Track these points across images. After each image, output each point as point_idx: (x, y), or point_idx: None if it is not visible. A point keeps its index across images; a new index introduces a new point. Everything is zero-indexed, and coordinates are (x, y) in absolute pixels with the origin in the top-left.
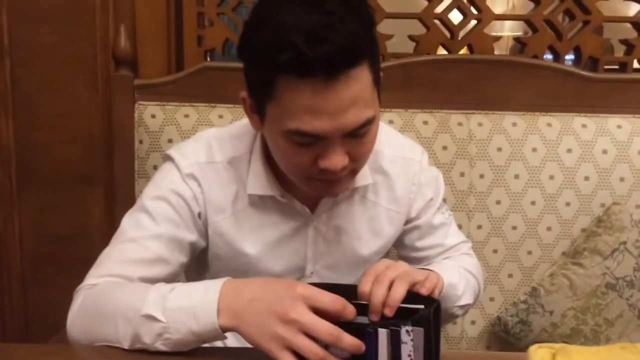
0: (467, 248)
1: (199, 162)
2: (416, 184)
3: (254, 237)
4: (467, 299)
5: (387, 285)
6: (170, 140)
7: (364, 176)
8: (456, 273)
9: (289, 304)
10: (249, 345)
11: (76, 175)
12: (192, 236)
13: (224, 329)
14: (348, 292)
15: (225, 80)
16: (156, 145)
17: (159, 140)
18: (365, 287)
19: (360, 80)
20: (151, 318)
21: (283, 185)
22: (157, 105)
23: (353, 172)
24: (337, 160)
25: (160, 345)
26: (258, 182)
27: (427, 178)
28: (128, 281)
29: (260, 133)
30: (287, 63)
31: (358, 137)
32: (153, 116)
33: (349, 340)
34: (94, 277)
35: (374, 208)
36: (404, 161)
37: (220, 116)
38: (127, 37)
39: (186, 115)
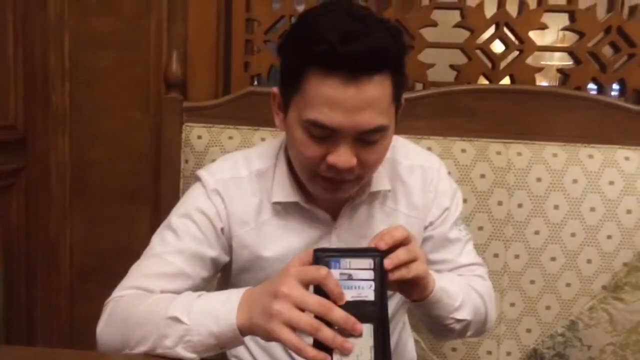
0: (481, 271)
1: (224, 178)
2: (433, 192)
3: (277, 247)
4: (465, 314)
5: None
6: (214, 161)
7: (382, 182)
8: (457, 285)
9: (280, 281)
10: None
11: (126, 191)
12: (213, 252)
13: (241, 329)
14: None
15: (269, 105)
16: (201, 165)
17: (203, 160)
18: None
19: (381, 87)
20: (176, 320)
21: (305, 195)
22: (204, 126)
23: (358, 179)
24: (345, 158)
25: (181, 350)
26: (282, 190)
27: (445, 187)
28: (152, 294)
29: (284, 146)
30: (318, 55)
31: (369, 143)
32: (199, 137)
33: (339, 313)
34: (120, 290)
35: (394, 215)
36: (421, 169)
37: (263, 139)
38: (179, 62)
39: (230, 137)
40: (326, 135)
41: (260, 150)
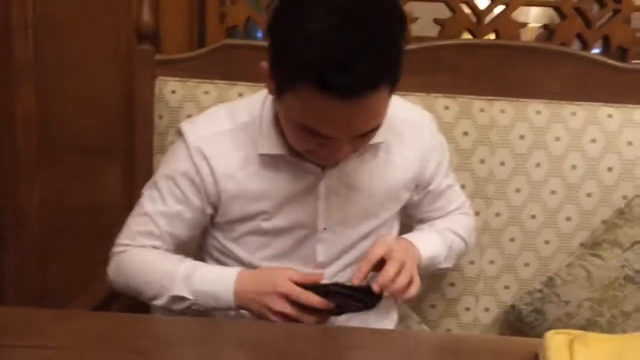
0: (467, 207)
1: (207, 134)
2: (427, 152)
3: (265, 196)
4: (446, 264)
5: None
6: (189, 116)
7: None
8: (440, 243)
9: (269, 300)
10: None
11: (96, 148)
12: (197, 212)
13: (237, 308)
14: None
15: (246, 59)
16: (175, 121)
17: (178, 116)
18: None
19: (377, 100)
20: (181, 298)
21: (292, 147)
22: (178, 81)
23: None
24: (338, 153)
25: (188, 312)
26: (269, 142)
27: (435, 142)
28: (148, 250)
29: (270, 99)
30: (311, 78)
31: (364, 135)
32: (173, 92)
33: (316, 299)
34: (120, 246)
35: (384, 165)
36: (414, 124)
37: (240, 94)
38: (150, 11)
39: (206, 92)
40: (321, 137)
41: (244, 101)
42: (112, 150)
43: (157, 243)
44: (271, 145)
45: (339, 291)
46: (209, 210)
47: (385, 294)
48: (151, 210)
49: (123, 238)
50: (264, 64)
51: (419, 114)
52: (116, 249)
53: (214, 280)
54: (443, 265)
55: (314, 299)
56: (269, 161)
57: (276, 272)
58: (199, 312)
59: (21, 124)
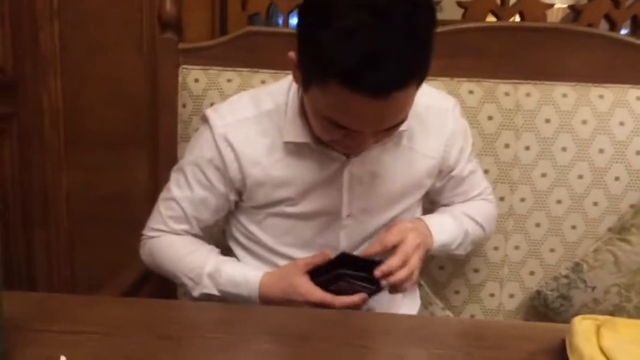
0: (488, 193)
1: (232, 121)
2: (451, 137)
3: (291, 183)
4: (460, 251)
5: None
6: (212, 105)
7: None
8: (455, 229)
9: (292, 296)
10: None
11: (122, 137)
12: (221, 198)
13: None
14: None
15: (268, 46)
16: (199, 109)
17: (201, 104)
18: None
19: (406, 97)
20: (209, 295)
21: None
22: (201, 69)
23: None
24: (363, 146)
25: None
26: (294, 130)
27: (459, 129)
28: (178, 238)
29: (295, 87)
30: (341, 75)
31: (389, 129)
32: (196, 80)
33: (347, 300)
34: (150, 230)
35: (408, 152)
36: (438, 110)
37: (263, 81)
38: (173, 0)
39: (229, 80)
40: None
41: (269, 89)
42: (138, 140)
43: (186, 227)
44: (296, 134)
45: (349, 274)
46: (233, 197)
47: (383, 282)
48: (178, 196)
49: (154, 222)
50: (292, 54)
51: (442, 99)
52: (148, 232)
53: (238, 283)
54: (456, 252)
55: (345, 300)
56: (293, 149)
57: (295, 277)
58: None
59: (49, 114)
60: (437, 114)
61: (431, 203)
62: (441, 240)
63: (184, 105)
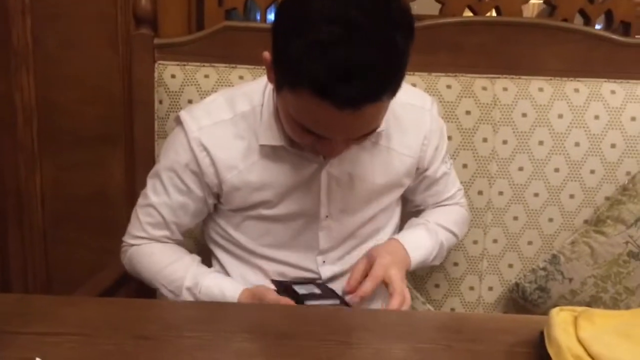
0: (460, 197)
1: (207, 124)
2: (428, 136)
3: (268, 186)
4: (436, 262)
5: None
6: (190, 101)
7: None
8: (431, 245)
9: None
10: None
11: (97, 134)
12: (199, 202)
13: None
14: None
15: (246, 41)
16: (176, 106)
17: (178, 100)
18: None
19: (377, 109)
20: (189, 298)
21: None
22: (177, 65)
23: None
24: (335, 151)
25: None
26: (270, 133)
27: (435, 128)
28: (157, 247)
29: (270, 89)
30: (312, 85)
31: (361, 137)
32: (173, 76)
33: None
34: (131, 237)
35: (386, 152)
36: (414, 109)
37: (241, 77)
38: None
39: (206, 76)
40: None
41: (244, 90)
42: (114, 137)
43: (166, 232)
44: (272, 136)
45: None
46: (211, 200)
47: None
48: (156, 202)
49: (134, 229)
50: (266, 55)
51: (420, 98)
52: (128, 240)
53: (216, 298)
54: (433, 263)
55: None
56: (269, 152)
57: (268, 295)
58: None
59: (21, 111)
60: (415, 112)
61: (404, 201)
62: (418, 258)
63: (160, 102)
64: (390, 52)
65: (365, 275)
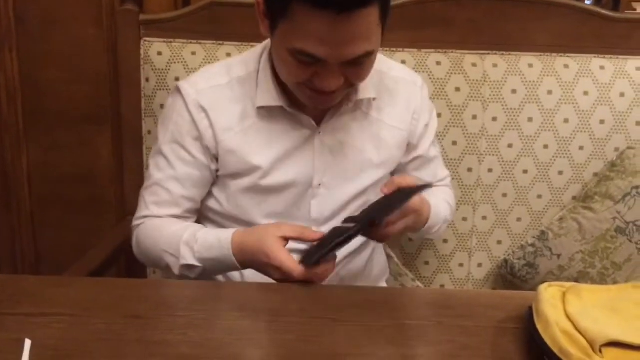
0: (449, 180)
1: (204, 88)
2: (418, 110)
3: (262, 151)
4: (433, 234)
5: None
6: (177, 79)
7: (367, 90)
8: (440, 215)
9: (267, 271)
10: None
11: (83, 113)
12: (205, 170)
13: (242, 268)
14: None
15: (233, 17)
16: (163, 84)
17: (165, 78)
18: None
19: (368, 18)
20: (191, 266)
21: (290, 100)
22: (164, 42)
23: (347, 89)
24: (332, 82)
25: (203, 277)
26: (267, 94)
27: (426, 106)
28: (161, 221)
29: (268, 50)
30: None
31: (356, 65)
32: (159, 53)
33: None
34: (138, 219)
35: (376, 124)
36: (406, 84)
37: (228, 54)
38: None
39: (193, 53)
40: (313, 61)
41: (241, 57)
42: (100, 116)
43: (173, 210)
44: (270, 97)
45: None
46: (214, 166)
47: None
48: (161, 178)
49: (139, 211)
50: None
51: (411, 74)
52: (134, 222)
53: (213, 246)
54: (430, 235)
55: (305, 274)
56: (265, 115)
57: (266, 237)
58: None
59: (5, 92)
60: (406, 86)
61: None
62: (429, 224)
63: (147, 79)
64: None
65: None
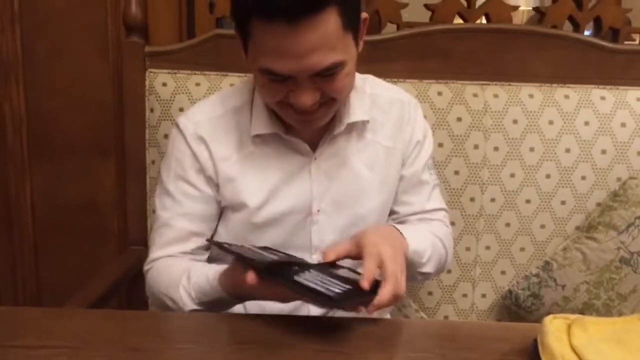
0: (443, 216)
1: (202, 119)
2: (411, 125)
3: (259, 180)
4: (429, 268)
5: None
6: (181, 109)
7: (360, 113)
8: (426, 241)
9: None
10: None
11: (88, 144)
12: (211, 202)
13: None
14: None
15: (237, 49)
16: (167, 114)
17: (169, 108)
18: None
19: (325, 25)
20: (197, 310)
21: (284, 127)
22: (169, 73)
23: (328, 105)
24: (306, 98)
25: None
26: (261, 122)
27: (420, 125)
28: (167, 263)
29: None
30: (254, 8)
31: (327, 77)
32: (164, 84)
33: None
34: (148, 263)
35: (372, 145)
36: (400, 103)
37: (232, 85)
38: (138, 3)
39: (197, 84)
40: (282, 78)
41: (236, 87)
42: (104, 146)
43: (182, 247)
44: (264, 125)
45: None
46: (219, 197)
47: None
48: (168, 217)
49: (149, 254)
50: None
51: (406, 95)
52: (145, 267)
53: (207, 290)
54: (425, 269)
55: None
56: (261, 143)
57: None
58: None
59: (11, 121)
60: (400, 104)
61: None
62: (416, 246)
63: (151, 110)
64: None
65: (347, 253)
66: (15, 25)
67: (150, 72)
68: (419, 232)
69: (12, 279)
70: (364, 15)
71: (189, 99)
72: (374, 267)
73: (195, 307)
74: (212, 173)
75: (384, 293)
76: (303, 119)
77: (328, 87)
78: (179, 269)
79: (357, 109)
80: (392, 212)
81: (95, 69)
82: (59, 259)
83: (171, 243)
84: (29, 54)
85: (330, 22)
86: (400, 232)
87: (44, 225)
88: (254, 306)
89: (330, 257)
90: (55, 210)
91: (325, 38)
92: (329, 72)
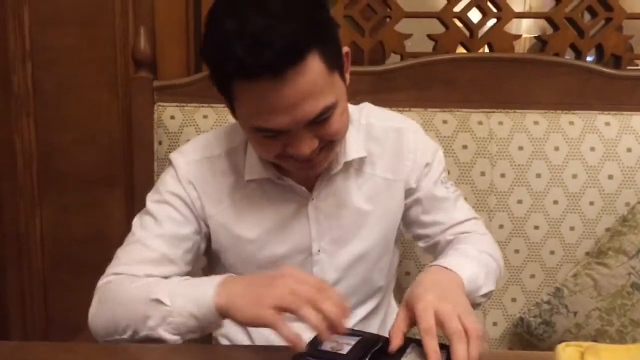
0: (479, 226)
1: (196, 159)
2: (412, 152)
3: (255, 223)
4: (488, 287)
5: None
6: (188, 141)
7: (356, 149)
8: (476, 263)
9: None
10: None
11: (97, 177)
12: (194, 233)
13: (220, 309)
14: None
15: None
16: (175, 146)
17: (178, 141)
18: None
19: (309, 72)
20: (158, 302)
21: (279, 170)
22: (177, 106)
23: (328, 148)
24: (304, 148)
25: (163, 332)
26: (255, 167)
27: (424, 146)
28: (137, 280)
29: None
30: (234, 72)
31: (322, 123)
32: (172, 117)
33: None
34: (106, 276)
35: (371, 179)
36: (397, 131)
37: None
38: (147, 38)
39: (205, 116)
40: (276, 134)
41: (230, 128)
42: (114, 179)
43: (150, 269)
44: (257, 170)
45: None
46: (204, 244)
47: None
48: (144, 236)
49: (112, 267)
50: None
51: (401, 120)
52: (98, 284)
53: (198, 282)
54: (484, 290)
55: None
56: (256, 187)
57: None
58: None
59: (21, 155)
60: (396, 134)
61: (414, 238)
62: (468, 274)
63: (160, 143)
64: (294, 14)
65: (409, 324)
66: (26, 63)
67: (159, 105)
68: (464, 256)
69: (22, 313)
70: (345, 49)
71: (197, 131)
72: (435, 344)
73: (163, 298)
74: (200, 214)
75: (458, 356)
76: (305, 166)
77: (324, 131)
78: (156, 279)
79: (352, 145)
80: (422, 236)
81: (105, 104)
82: (68, 293)
83: (140, 262)
84: (40, 89)
85: (314, 67)
86: (448, 268)
87: (53, 259)
88: (262, 340)
89: (396, 346)
90: (65, 243)
91: (313, 84)
92: (323, 117)
